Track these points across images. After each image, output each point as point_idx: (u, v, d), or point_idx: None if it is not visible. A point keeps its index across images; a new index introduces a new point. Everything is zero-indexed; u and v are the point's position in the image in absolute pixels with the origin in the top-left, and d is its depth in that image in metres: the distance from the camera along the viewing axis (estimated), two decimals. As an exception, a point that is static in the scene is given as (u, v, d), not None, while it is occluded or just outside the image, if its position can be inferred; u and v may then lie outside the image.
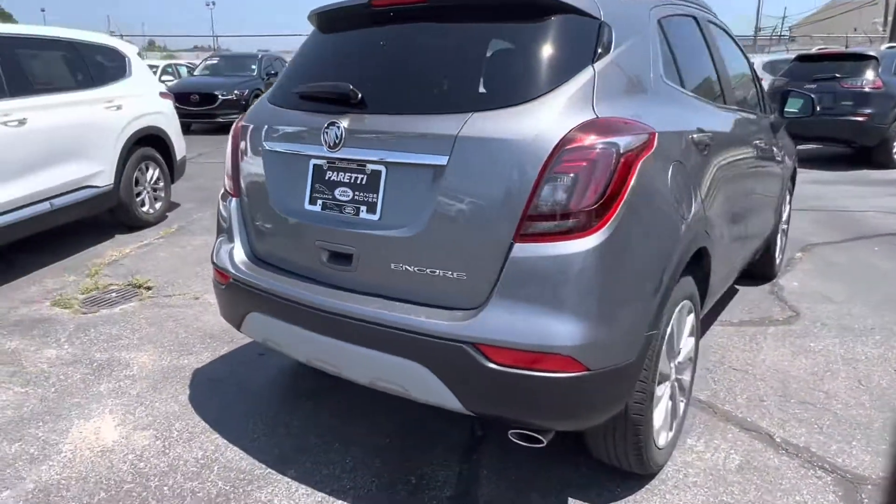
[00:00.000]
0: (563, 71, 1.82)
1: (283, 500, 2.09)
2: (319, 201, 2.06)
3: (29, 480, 2.21)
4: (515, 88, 1.82)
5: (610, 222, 1.72)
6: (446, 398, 1.82)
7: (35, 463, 2.30)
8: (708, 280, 2.45)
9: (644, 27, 2.13)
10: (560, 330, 1.71)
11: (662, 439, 2.19)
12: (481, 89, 1.86)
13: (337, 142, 1.97)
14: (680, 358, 2.28)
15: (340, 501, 2.08)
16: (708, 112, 2.48)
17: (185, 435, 2.47)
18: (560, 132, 1.71)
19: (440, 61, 1.97)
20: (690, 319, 2.31)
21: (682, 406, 2.40)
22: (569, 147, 1.70)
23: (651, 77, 2.07)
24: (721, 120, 2.66)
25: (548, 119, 1.73)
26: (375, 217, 1.94)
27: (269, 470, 2.24)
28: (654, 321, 1.87)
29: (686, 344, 2.33)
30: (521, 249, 1.72)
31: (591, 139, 1.72)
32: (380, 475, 2.22)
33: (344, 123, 1.96)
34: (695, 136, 2.18)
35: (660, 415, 2.13)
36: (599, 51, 1.88)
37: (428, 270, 1.85)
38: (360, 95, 1.97)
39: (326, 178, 2.04)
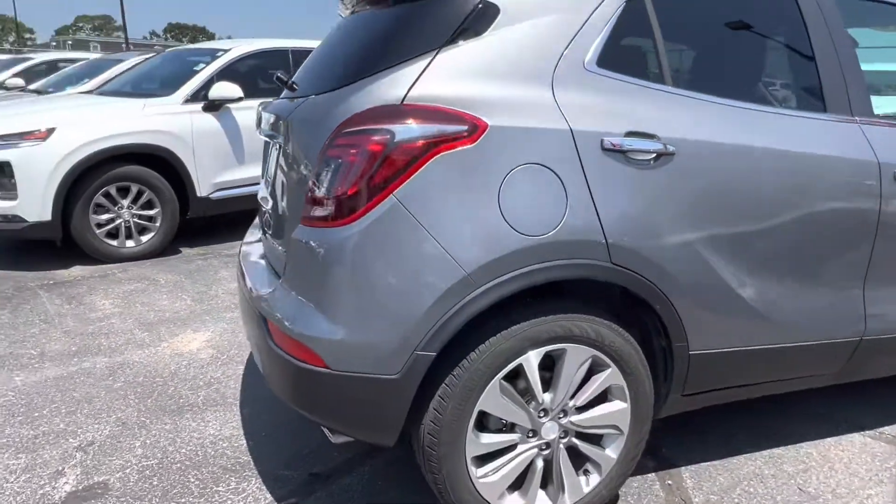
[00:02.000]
0: (402, 53, 1.69)
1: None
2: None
3: (120, 355, 3.10)
4: (346, 71, 1.77)
5: (366, 215, 1.56)
6: (259, 365, 1.94)
7: (139, 347, 3.20)
8: (678, 338, 1.83)
9: (581, 4, 1.75)
10: (306, 318, 1.65)
11: (503, 498, 1.79)
12: (335, 72, 1.86)
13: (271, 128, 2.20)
14: (573, 418, 1.80)
15: None
16: (699, 113, 1.83)
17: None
18: (345, 115, 1.63)
19: (341, 47, 2.02)
20: (603, 376, 1.79)
21: (586, 481, 1.88)
22: (345, 130, 1.61)
23: (560, 63, 1.70)
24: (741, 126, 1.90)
25: (349, 101, 1.66)
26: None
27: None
28: (431, 341, 1.59)
29: (593, 407, 1.82)
30: (299, 231, 1.70)
31: (366, 123, 1.58)
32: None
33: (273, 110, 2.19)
34: (615, 140, 1.69)
35: (500, 470, 1.76)
36: (464, 31, 1.67)
37: (276, 242, 1.97)
38: (292, 82, 2.17)
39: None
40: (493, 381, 1.67)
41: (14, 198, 4.24)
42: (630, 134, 1.71)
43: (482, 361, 1.65)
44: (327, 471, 2.20)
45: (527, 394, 1.76)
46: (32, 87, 8.11)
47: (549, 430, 1.79)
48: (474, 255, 1.58)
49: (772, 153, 1.86)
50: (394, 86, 1.63)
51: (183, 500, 2.03)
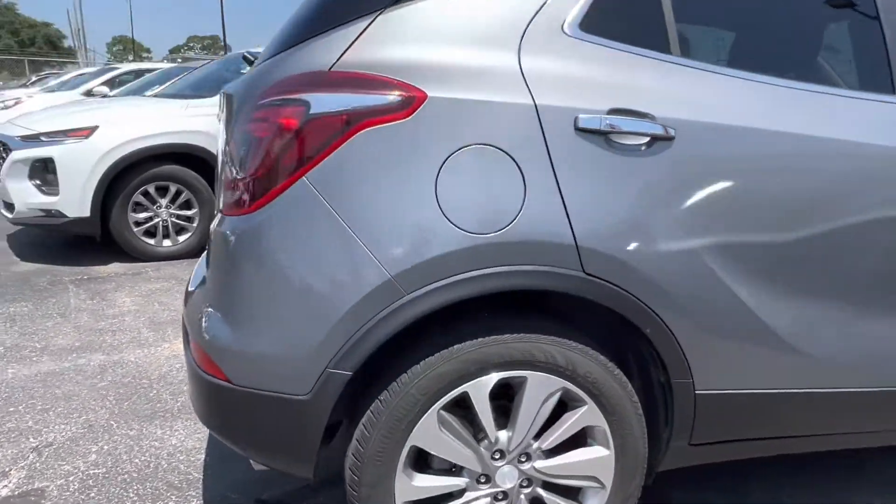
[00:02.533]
0: (342, 14, 1.42)
1: None
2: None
3: (118, 353, 3.01)
4: (288, 36, 1.52)
5: (272, 203, 1.30)
6: None
7: (140, 347, 3.11)
8: (676, 363, 1.45)
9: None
10: (213, 324, 1.41)
11: None
12: (279, 38, 1.62)
13: None
14: (539, 464, 1.45)
15: None
16: (715, 88, 1.44)
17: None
18: (264, 85, 1.38)
19: (296, 11, 1.77)
20: (577, 415, 1.44)
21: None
22: (260, 102, 1.36)
23: (532, 25, 1.38)
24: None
25: (277, 70, 1.41)
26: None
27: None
28: (346, 358, 1.29)
29: (566, 452, 1.47)
30: (217, 221, 1.47)
31: (282, 93, 1.33)
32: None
33: None
34: (593, 119, 1.34)
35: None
36: (415, -10, 1.40)
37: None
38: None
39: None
40: (429, 410, 1.36)
41: (56, 193, 4.33)
42: (615, 111, 1.36)
43: (415, 386, 1.34)
44: (276, 498, 1.95)
45: (480, 429, 1.43)
46: (112, 93, 8.54)
47: (507, 477, 1.45)
48: (401, 255, 1.28)
49: (813, 143, 1.45)
50: (326, 51, 1.37)
51: (112, 518, 1.84)
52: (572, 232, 1.33)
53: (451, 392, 1.37)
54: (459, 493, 1.45)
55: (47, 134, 4.37)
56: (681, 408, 1.50)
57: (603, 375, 1.43)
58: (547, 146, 1.33)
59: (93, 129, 4.37)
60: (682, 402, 1.49)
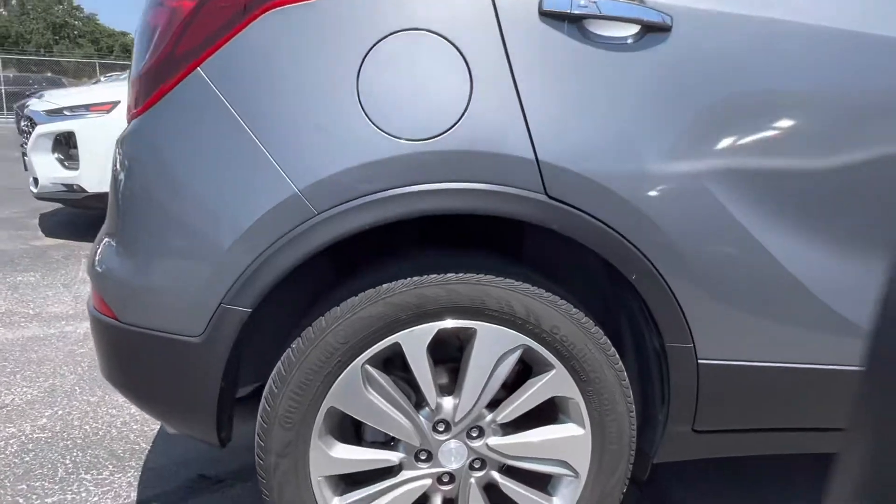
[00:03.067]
0: None
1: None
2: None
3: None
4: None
5: (162, 101, 1.08)
6: None
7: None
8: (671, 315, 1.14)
9: None
10: (104, 252, 1.19)
11: None
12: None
13: None
14: (494, 441, 1.17)
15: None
16: None
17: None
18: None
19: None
20: (542, 381, 1.14)
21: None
22: None
23: None
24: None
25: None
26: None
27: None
28: (244, 291, 1.05)
29: (529, 429, 1.18)
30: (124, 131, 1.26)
31: (181, -28, 1.10)
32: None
33: None
34: (564, 1, 1.05)
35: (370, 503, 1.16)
36: None
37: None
38: None
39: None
40: (351, 364, 1.10)
41: (76, 167, 4.30)
42: (594, -5, 1.07)
43: (333, 332, 1.08)
44: (221, 475, 1.72)
45: (419, 393, 1.16)
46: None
47: (453, 455, 1.17)
48: (312, 164, 1.03)
49: (862, 41, 1.12)
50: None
51: (36, 484, 1.65)
52: (532, 143, 1.04)
53: (380, 343, 1.10)
54: (393, 471, 1.18)
55: (70, 108, 4.35)
56: (679, 381, 1.18)
57: (576, 333, 1.13)
58: (501, 32, 1.05)
59: (114, 104, 4.32)
60: (681, 374, 1.17)
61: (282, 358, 1.11)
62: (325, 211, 1.03)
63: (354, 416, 1.13)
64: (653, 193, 1.08)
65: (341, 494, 1.18)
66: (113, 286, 1.15)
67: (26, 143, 4.49)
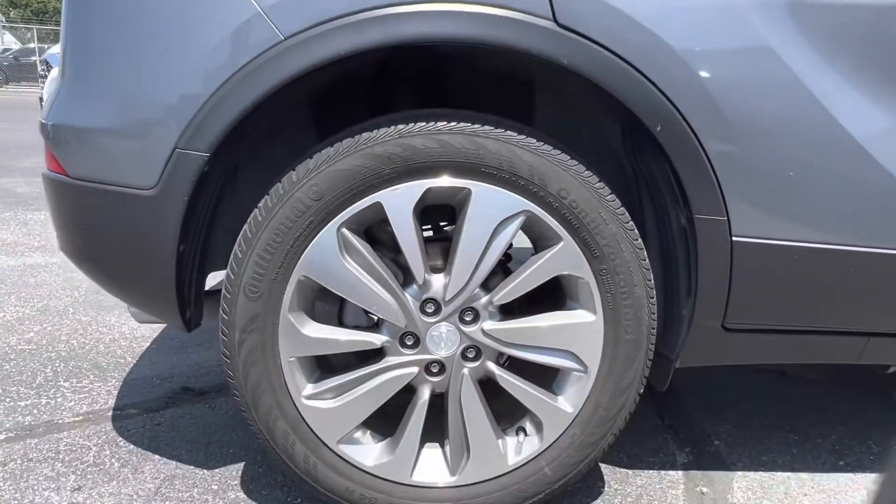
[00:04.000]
0: None
1: (121, 319, 2.00)
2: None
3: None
4: None
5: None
6: None
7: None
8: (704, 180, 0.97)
9: None
10: (56, 99, 1.06)
11: (351, 443, 1.04)
12: None
13: None
14: (490, 325, 1.01)
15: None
16: None
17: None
18: None
19: None
20: (547, 255, 0.98)
21: (516, 447, 1.06)
22: None
23: None
24: None
25: None
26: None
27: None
28: (201, 131, 0.90)
29: (532, 314, 1.02)
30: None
31: None
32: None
33: None
34: None
35: (347, 392, 1.02)
36: None
37: None
38: None
39: None
40: (327, 226, 0.96)
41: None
42: None
43: (304, 187, 0.94)
44: (205, 388, 1.61)
45: (404, 267, 1.01)
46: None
47: (443, 341, 1.02)
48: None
49: None
50: None
51: (12, 389, 1.56)
52: (538, -44, 0.87)
53: (359, 202, 0.95)
54: (376, 354, 1.04)
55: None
56: (708, 263, 1.01)
57: (588, 199, 0.97)
58: None
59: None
60: (711, 254, 1.00)
61: (249, 218, 0.97)
62: (294, 35, 0.88)
63: (329, 288, 0.98)
64: (684, 24, 0.91)
65: (316, 381, 1.04)
66: (61, 136, 1.02)
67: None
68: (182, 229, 0.96)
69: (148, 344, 1.87)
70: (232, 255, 0.98)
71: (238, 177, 1.12)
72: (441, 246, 1.07)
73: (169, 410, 1.48)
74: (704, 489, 1.25)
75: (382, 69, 1.12)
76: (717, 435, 1.45)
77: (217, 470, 1.25)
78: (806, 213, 0.99)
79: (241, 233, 0.98)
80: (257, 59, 0.89)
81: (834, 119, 0.95)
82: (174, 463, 1.27)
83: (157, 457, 1.29)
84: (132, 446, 1.32)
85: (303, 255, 0.96)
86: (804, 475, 1.31)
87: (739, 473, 1.31)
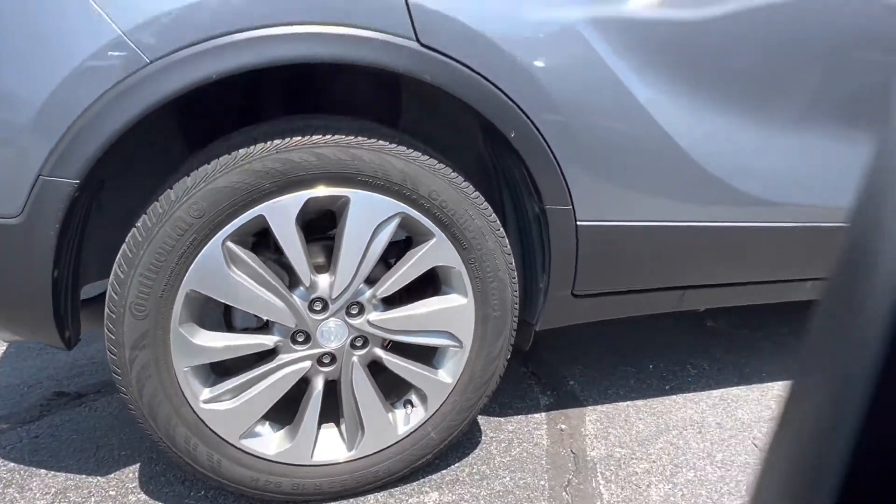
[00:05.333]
0: None
1: None
2: None
3: None
4: None
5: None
6: None
7: None
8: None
9: None
10: None
11: (254, 437, 1.13)
12: None
13: None
14: (375, 317, 1.11)
15: None
16: None
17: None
18: None
19: None
20: (422, 251, 1.09)
21: (404, 418, 1.20)
22: None
23: None
24: None
25: None
26: None
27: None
28: (66, 158, 0.89)
29: (411, 302, 1.14)
30: None
31: None
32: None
33: None
34: None
35: (244, 392, 1.09)
36: None
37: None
38: None
39: None
40: (210, 241, 0.99)
41: None
42: None
43: (184, 206, 0.96)
44: (81, 390, 1.57)
45: (290, 271, 1.07)
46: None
47: (332, 335, 1.11)
48: (137, 3, 0.87)
49: None
50: None
51: None
52: (399, -19, 0.93)
53: (241, 216, 0.99)
54: (269, 354, 1.10)
55: None
56: (560, 245, 1.17)
57: (455, 198, 1.08)
58: None
59: None
60: (562, 238, 1.17)
61: (127, 237, 0.97)
62: (160, 59, 0.88)
63: (218, 299, 1.03)
64: (530, 43, 1.02)
65: (212, 385, 1.09)
66: None
67: None
68: (55, 255, 0.94)
69: (5, 347, 1.76)
70: (113, 276, 0.99)
71: (104, 190, 1.09)
72: (326, 245, 1.13)
73: (46, 419, 1.44)
74: (563, 426, 1.48)
75: (252, 77, 1.12)
76: (571, 376, 1.69)
77: (112, 475, 1.26)
78: (633, 199, 1.18)
79: (121, 253, 0.98)
80: (122, 84, 0.88)
81: (655, 122, 1.12)
82: (63, 475, 1.26)
83: (42, 471, 1.27)
84: (12, 464, 1.28)
85: (189, 271, 0.99)
86: (639, 402, 1.58)
87: (590, 408, 1.55)
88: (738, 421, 1.51)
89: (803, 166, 1.28)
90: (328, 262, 1.10)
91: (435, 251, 1.11)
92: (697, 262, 1.31)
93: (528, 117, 1.05)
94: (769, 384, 1.69)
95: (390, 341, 1.20)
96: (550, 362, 1.76)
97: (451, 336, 1.17)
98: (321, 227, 1.16)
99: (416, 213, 1.07)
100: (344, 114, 1.10)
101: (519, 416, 1.50)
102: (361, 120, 1.07)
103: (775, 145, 1.24)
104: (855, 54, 1.24)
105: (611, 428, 1.47)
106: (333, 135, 1.00)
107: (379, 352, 1.16)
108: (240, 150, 0.96)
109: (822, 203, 1.32)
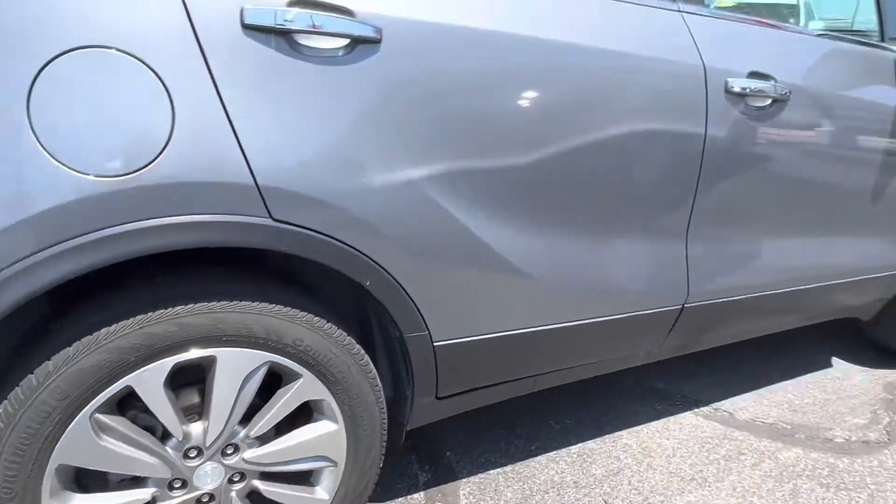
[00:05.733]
0: None
1: None
2: None
3: None
4: None
5: None
6: None
7: None
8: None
9: None
10: None
11: None
12: None
13: None
14: (250, 454, 1.19)
15: None
16: None
17: None
18: None
19: None
20: (291, 391, 1.17)
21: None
22: None
23: None
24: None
25: None
26: None
27: None
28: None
29: (284, 434, 1.22)
30: None
31: None
32: None
33: None
34: (266, 14, 1.01)
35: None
36: None
37: None
38: None
39: None
40: (77, 418, 1.02)
41: None
42: (299, 3, 1.03)
43: (48, 389, 0.98)
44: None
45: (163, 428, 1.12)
46: None
47: (209, 477, 1.17)
48: (-14, 211, 0.88)
49: (537, 46, 1.25)
50: None
51: None
52: (249, 166, 1.01)
53: (108, 389, 1.03)
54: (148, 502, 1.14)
55: None
56: (421, 363, 1.30)
57: (319, 342, 1.17)
58: (202, 51, 0.97)
59: None
60: (422, 358, 1.30)
61: (-12, 425, 0.98)
62: (15, 264, 0.90)
63: (90, 468, 1.06)
64: (376, 203, 1.13)
65: (90, 544, 1.11)
66: None
67: None
68: None
69: None
70: (-24, 461, 0.99)
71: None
72: (200, 389, 1.18)
73: None
74: (440, 503, 1.62)
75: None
76: (448, 446, 1.83)
77: None
78: (482, 318, 1.33)
79: (-18, 440, 0.98)
80: (-28, 292, 0.89)
81: (494, 252, 1.28)
82: None
83: None
84: None
85: (56, 448, 1.01)
86: (508, 467, 1.76)
87: (464, 480, 1.70)
88: (592, 477, 1.72)
89: (617, 269, 1.49)
90: (202, 401, 1.16)
91: (303, 389, 1.19)
92: (543, 356, 1.49)
93: (382, 267, 1.16)
94: (619, 433, 1.93)
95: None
96: (429, 432, 1.89)
97: (326, 458, 1.27)
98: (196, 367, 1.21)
99: (283, 359, 1.15)
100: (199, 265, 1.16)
101: (399, 499, 1.62)
102: (224, 277, 1.14)
103: (592, 255, 1.43)
104: (650, 181, 1.46)
105: (482, 501, 1.63)
106: (196, 302, 1.06)
107: (256, 483, 1.23)
108: (101, 330, 1.00)
109: (635, 294, 1.54)
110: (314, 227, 1.08)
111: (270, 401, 1.19)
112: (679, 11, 1.46)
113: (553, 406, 2.05)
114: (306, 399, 1.21)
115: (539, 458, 1.80)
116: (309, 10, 1.03)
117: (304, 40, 1.04)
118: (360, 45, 1.08)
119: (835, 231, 1.86)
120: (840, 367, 2.42)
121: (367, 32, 1.07)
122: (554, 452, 1.83)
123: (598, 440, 1.89)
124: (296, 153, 1.05)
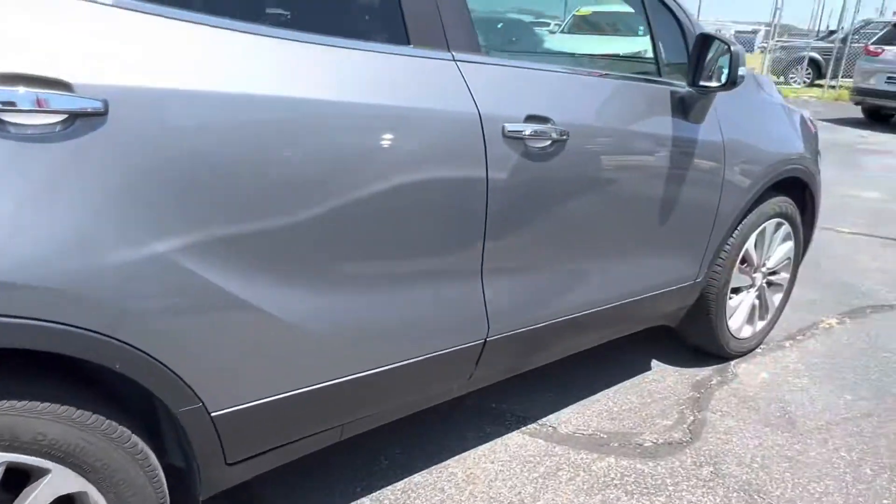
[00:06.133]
0: None
1: None
2: None
3: None
4: None
5: None
6: None
7: None
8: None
9: None
10: None
11: None
12: None
13: None
14: None
15: None
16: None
17: None
18: None
19: None
20: (38, 489, 1.08)
21: None
22: None
23: None
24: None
25: None
26: None
27: None
28: None
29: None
30: None
31: None
32: None
33: None
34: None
35: None
36: None
37: None
38: None
39: None
40: None
41: None
42: (8, 78, 0.95)
43: None
44: None
45: None
46: None
47: None
48: None
49: (288, 105, 1.23)
50: None
51: None
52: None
53: None
54: None
55: None
56: (199, 435, 1.25)
57: (67, 432, 1.09)
58: None
59: None
60: (199, 429, 1.25)
61: None
62: None
63: None
64: (114, 281, 1.07)
65: None
66: None
67: None
68: None
69: None
70: None
71: None
72: None
73: None
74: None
75: None
76: (269, 495, 1.78)
77: None
78: (262, 381, 1.30)
79: None
80: None
81: (266, 314, 1.25)
82: None
83: None
84: None
85: None
86: (330, 514, 1.74)
87: (282, 535, 1.66)
88: (413, 515, 1.74)
89: (411, 313, 1.51)
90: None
91: (55, 483, 1.11)
92: (345, 406, 1.49)
93: (130, 345, 1.10)
94: (446, 462, 1.97)
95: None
96: (253, 480, 1.83)
97: (93, 551, 1.19)
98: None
99: (24, 456, 1.06)
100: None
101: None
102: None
103: (380, 304, 1.45)
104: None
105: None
106: None
107: None
108: None
109: (433, 334, 1.57)
110: (48, 317, 1.00)
111: (17, 499, 1.09)
112: (453, 60, 1.50)
113: (386, 439, 2.05)
114: (61, 493, 1.12)
115: (362, 499, 1.80)
116: (9, 87, 0.95)
117: (15, 119, 0.96)
118: (83, 118, 1.01)
119: (626, 254, 2.00)
120: (658, 369, 2.61)
121: (86, 106, 1.00)
122: (378, 492, 1.83)
123: (425, 472, 1.92)
124: (26, 241, 0.97)
